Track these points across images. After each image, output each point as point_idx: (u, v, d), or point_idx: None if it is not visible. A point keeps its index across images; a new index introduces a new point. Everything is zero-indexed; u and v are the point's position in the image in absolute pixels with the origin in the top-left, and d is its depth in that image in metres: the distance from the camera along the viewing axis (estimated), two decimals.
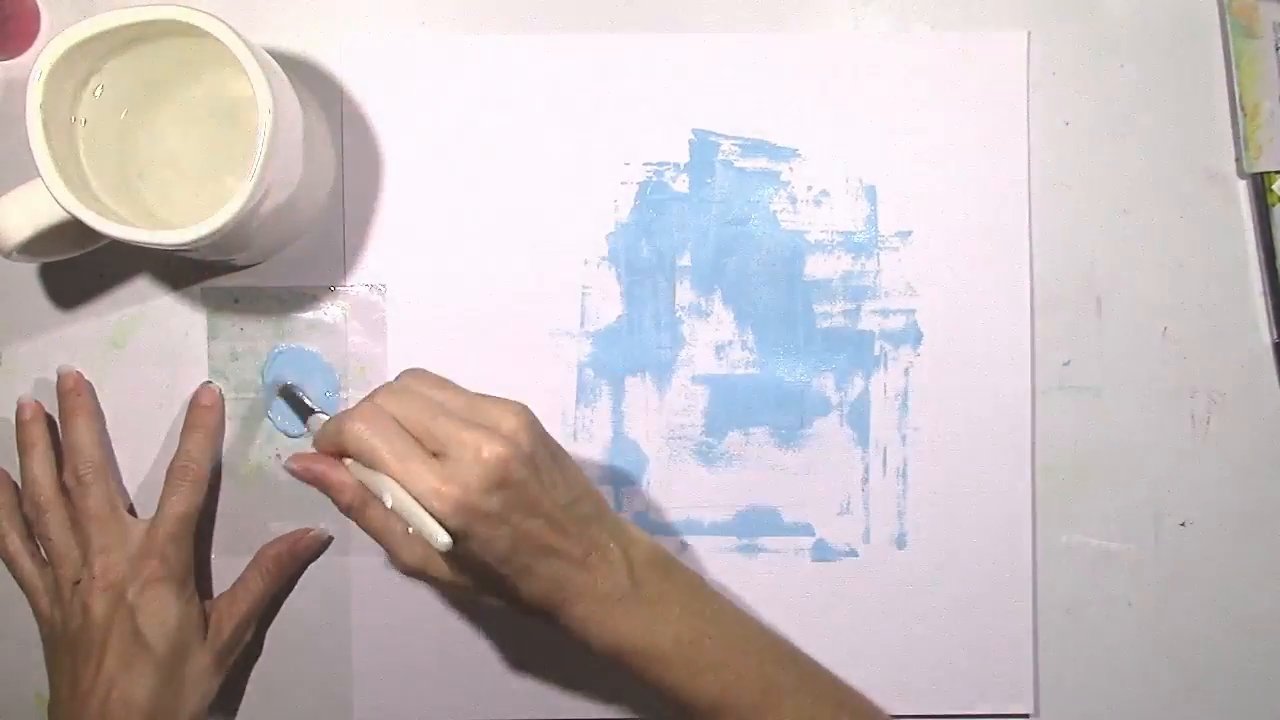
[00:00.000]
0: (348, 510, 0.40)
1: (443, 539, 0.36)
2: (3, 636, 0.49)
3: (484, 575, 0.39)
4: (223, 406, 0.48)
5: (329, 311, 0.49)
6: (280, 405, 0.48)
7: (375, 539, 0.40)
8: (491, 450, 0.37)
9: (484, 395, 0.40)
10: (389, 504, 0.37)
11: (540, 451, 0.39)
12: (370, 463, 0.37)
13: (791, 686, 0.42)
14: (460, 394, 0.40)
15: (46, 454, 0.47)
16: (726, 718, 0.41)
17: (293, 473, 0.40)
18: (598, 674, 0.48)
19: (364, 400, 0.39)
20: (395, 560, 0.40)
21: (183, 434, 0.47)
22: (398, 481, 0.37)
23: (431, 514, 0.36)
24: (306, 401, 0.48)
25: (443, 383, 0.40)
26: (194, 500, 0.46)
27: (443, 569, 0.39)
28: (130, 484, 0.49)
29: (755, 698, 0.41)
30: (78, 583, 0.45)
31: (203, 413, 0.48)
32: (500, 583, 0.39)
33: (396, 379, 0.41)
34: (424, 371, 0.41)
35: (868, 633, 0.48)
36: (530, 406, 0.40)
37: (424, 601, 0.48)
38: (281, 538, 0.48)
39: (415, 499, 0.36)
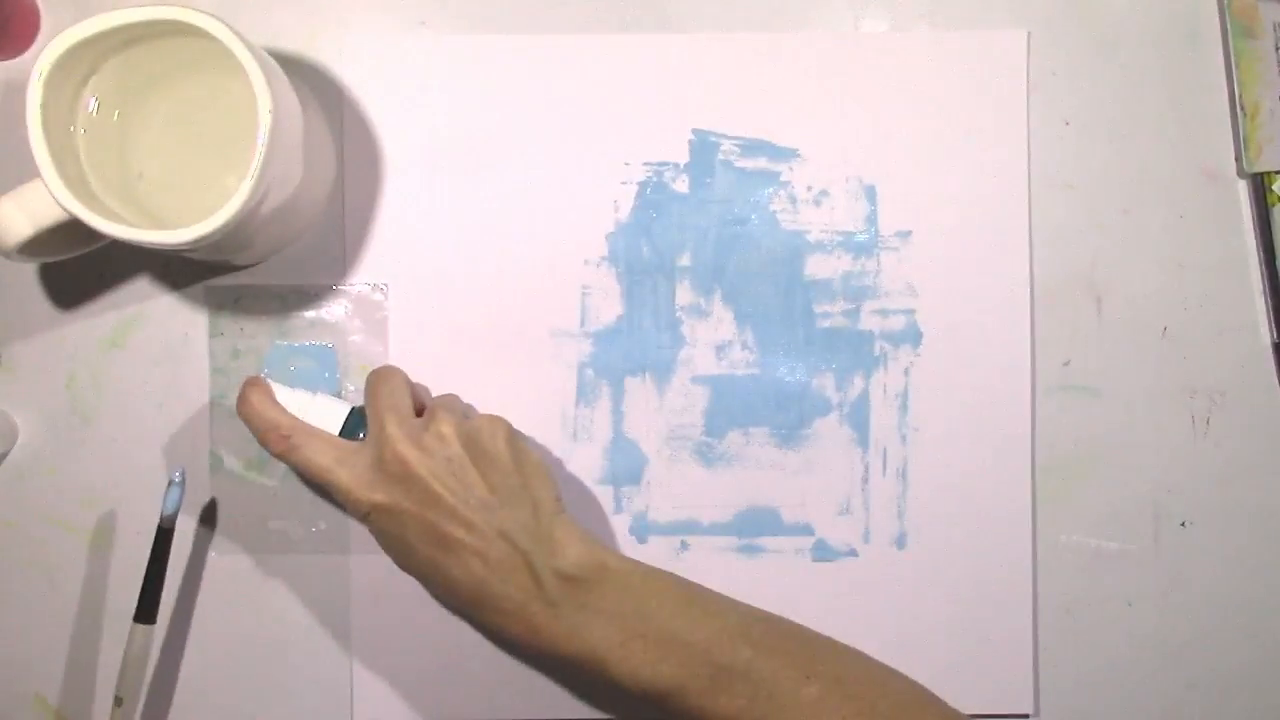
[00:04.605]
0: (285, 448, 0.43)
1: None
2: (3, 636, 0.49)
3: (408, 564, 0.43)
4: None
5: (330, 310, 0.49)
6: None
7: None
8: (394, 450, 0.41)
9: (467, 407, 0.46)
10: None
11: (465, 455, 0.42)
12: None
13: (744, 666, 0.41)
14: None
15: None
16: (675, 703, 0.41)
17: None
18: None
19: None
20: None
21: None
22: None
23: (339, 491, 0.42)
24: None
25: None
26: None
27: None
28: (129, 484, 0.49)
29: (703, 683, 0.41)
30: None
31: None
32: (422, 576, 0.43)
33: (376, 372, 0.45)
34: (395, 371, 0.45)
35: (868, 633, 0.48)
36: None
37: (424, 602, 0.48)
38: None
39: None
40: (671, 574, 0.44)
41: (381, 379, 0.44)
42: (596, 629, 0.41)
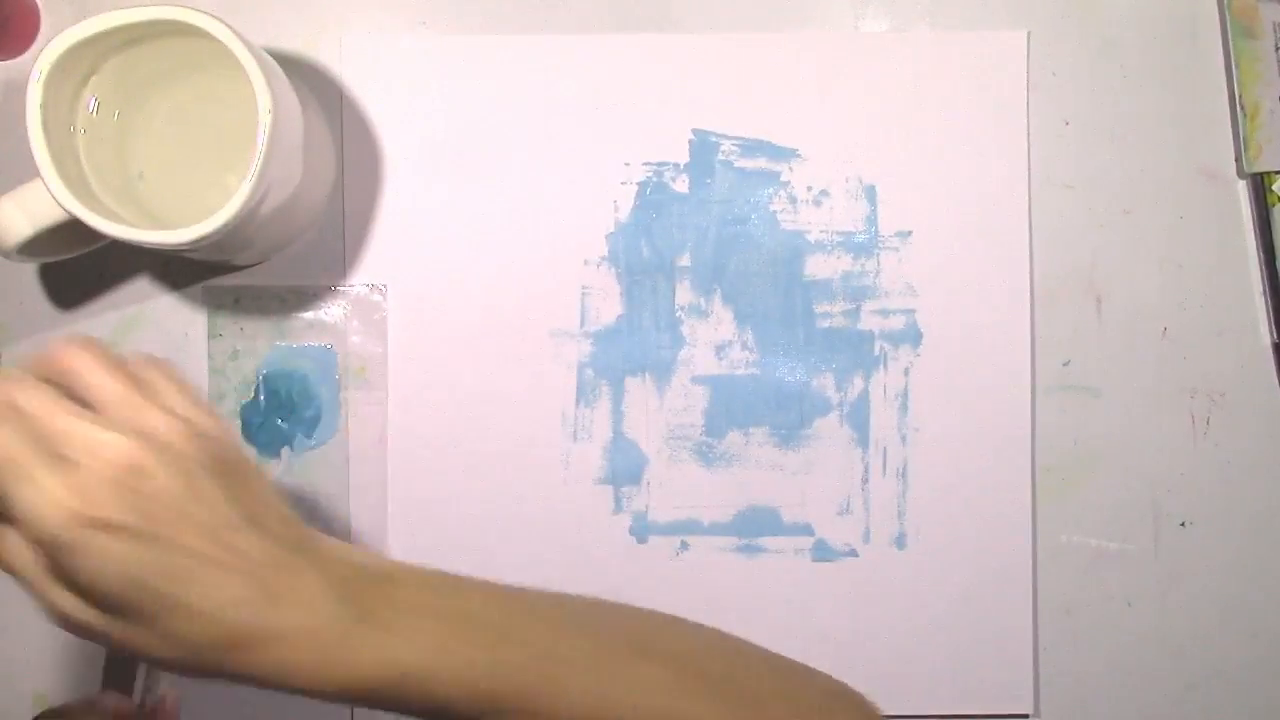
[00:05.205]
0: None
1: None
2: (3, 635, 0.49)
3: (126, 614, 0.31)
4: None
5: (329, 311, 0.49)
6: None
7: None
8: (119, 452, 0.30)
9: (161, 381, 0.33)
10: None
11: (203, 459, 0.32)
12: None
13: (582, 657, 0.35)
14: (122, 380, 0.32)
15: None
16: (512, 706, 0.33)
17: None
18: None
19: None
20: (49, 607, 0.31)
21: None
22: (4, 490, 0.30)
23: (33, 523, 0.29)
24: None
25: (108, 363, 0.32)
26: None
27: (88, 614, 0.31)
28: None
29: (534, 680, 0.33)
30: None
31: None
32: (149, 624, 0.31)
33: (53, 349, 0.33)
34: (89, 345, 0.33)
35: (868, 633, 0.48)
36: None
37: None
38: None
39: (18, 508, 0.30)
40: (467, 575, 0.36)
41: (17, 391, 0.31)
42: (406, 640, 0.32)
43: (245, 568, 0.31)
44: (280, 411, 0.48)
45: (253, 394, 0.48)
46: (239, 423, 0.48)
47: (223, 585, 0.31)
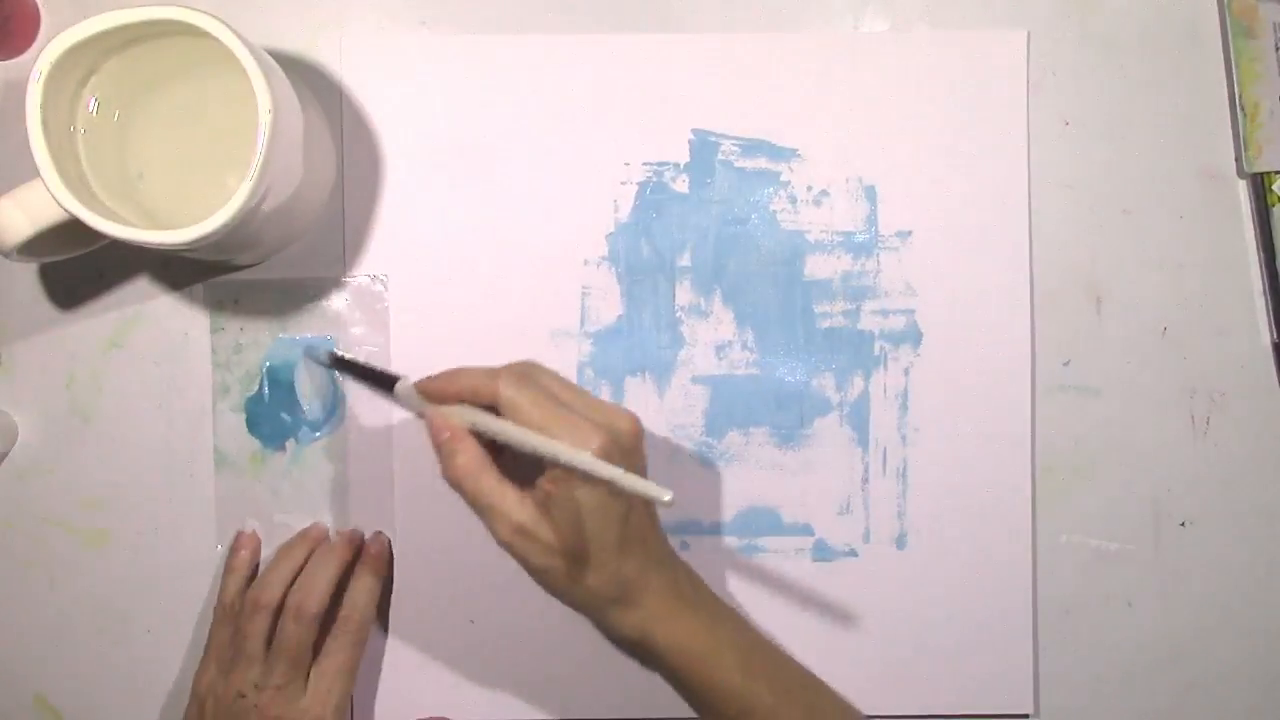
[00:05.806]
0: (461, 475, 0.40)
1: (666, 495, 0.38)
2: (3, 636, 0.49)
3: (572, 555, 0.40)
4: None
5: (331, 302, 0.49)
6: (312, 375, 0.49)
7: (478, 507, 0.40)
8: (633, 423, 0.40)
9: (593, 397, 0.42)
10: (574, 463, 0.38)
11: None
12: (533, 420, 0.39)
13: (836, 714, 0.44)
14: (574, 387, 0.41)
15: (286, 574, 0.46)
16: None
17: (430, 425, 0.41)
18: (596, 673, 0.48)
19: (505, 367, 0.41)
20: (496, 531, 0.40)
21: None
22: (566, 441, 0.38)
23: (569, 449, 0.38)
24: (368, 365, 0.46)
25: (557, 376, 0.42)
26: (358, 655, 0.46)
27: (532, 547, 0.40)
28: (129, 484, 0.49)
29: (801, 713, 0.42)
30: (242, 695, 0.44)
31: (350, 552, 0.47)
32: (583, 563, 0.40)
33: (512, 366, 0.42)
34: (538, 365, 0.42)
35: (868, 633, 0.48)
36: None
37: (422, 602, 0.48)
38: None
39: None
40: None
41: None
42: (727, 630, 0.43)
43: (659, 543, 0.42)
44: (284, 404, 0.49)
45: (257, 387, 0.49)
46: (244, 415, 0.48)
47: (645, 551, 0.41)
